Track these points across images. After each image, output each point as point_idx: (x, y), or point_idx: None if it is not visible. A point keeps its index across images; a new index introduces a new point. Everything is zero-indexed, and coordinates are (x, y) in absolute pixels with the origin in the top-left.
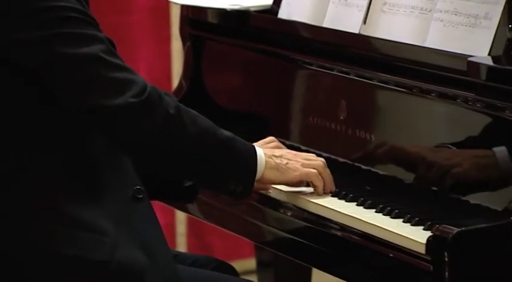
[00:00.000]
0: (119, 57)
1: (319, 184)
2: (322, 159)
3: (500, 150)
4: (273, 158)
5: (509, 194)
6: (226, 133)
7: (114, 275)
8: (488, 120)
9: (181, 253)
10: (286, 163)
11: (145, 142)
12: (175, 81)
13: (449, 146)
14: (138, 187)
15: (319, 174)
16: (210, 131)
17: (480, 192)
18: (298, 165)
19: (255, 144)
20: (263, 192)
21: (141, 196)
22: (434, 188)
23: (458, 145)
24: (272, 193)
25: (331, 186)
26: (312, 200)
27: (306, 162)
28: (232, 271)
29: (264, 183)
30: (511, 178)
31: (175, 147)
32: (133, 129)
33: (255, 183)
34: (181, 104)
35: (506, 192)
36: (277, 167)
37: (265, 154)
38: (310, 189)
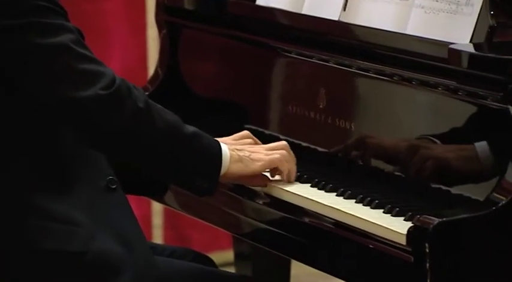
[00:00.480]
0: (88, 48)
1: (285, 169)
2: (285, 142)
3: (481, 145)
4: (236, 151)
5: (491, 184)
6: (192, 128)
7: (91, 266)
8: (470, 108)
9: (158, 245)
10: (249, 155)
11: (113, 135)
12: (151, 70)
13: (430, 135)
14: (111, 177)
15: (284, 159)
16: (177, 126)
17: (462, 182)
18: (261, 156)
19: (229, 137)
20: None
21: (114, 186)
22: (415, 178)
23: (439, 134)
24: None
25: (291, 174)
26: (291, 191)
27: (269, 153)
28: (210, 263)
29: (229, 178)
30: (492, 170)
31: (142, 141)
32: (102, 121)
33: (222, 179)
34: (149, 99)
35: (488, 182)
36: (241, 160)
37: (228, 148)
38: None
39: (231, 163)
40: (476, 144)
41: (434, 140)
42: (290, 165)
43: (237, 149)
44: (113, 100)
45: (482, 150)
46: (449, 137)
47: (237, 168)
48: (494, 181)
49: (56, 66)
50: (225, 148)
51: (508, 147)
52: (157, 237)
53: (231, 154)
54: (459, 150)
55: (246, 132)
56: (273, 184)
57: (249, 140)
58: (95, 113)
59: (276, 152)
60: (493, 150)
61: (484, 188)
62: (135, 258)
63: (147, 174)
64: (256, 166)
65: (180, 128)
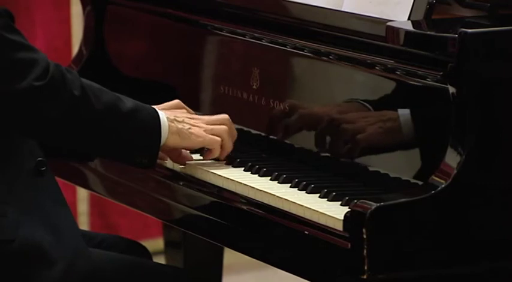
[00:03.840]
0: (19, 32)
1: (217, 153)
2: (226, 116)
3: (420, 127)
4: (175, 122)
5: (431, 167)
6: (129, 104)
7: (19, 254)
8: (408, 88)
9: (87, 232)
10: (189, 128)
11: (50, 125)
12: (75, 48)
13: (368, 116)
14: (40, 159)
15: (222, 141)
16: (114, 105)
17: (400, 165)
18: (201, 131)
19: (160, 106)
20: (163, 163)
21: (43, 168)
22: (353, 161)
23: (377, 115)
24: (177, 167)
25: (226, 152)
26: (224, 175)
27: (209, 128)
28: (144, 251)
29: (164, 150)
30: (431, 152)
31: (80, 127)
32: (37, 113)
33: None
34: (84, 80)
35: (427, 165)
36: (178, 132)
37: (167, 118)
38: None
39: (168, 134)
40: (415, 125)
41: (372, 121)
42: (230, 143)
43: (177, 120)
44: (48, 91)
45: (421, 132)
46: (387, 118)
47: (174, 141)
48: (433, 164)
49: None
50: (163, 119)
51: (448, 128)
52: (83, 224)
53: (169, 125)
54: (397, 131)
55: (177, 101)
56: (205, 168)
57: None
58: (30, 105)
59: (217, 130)
60: (432, 131)
61: (423, 171)
62: (65, 246)
63: (87, 153)
64: (194, 142)
65: (118, 107)
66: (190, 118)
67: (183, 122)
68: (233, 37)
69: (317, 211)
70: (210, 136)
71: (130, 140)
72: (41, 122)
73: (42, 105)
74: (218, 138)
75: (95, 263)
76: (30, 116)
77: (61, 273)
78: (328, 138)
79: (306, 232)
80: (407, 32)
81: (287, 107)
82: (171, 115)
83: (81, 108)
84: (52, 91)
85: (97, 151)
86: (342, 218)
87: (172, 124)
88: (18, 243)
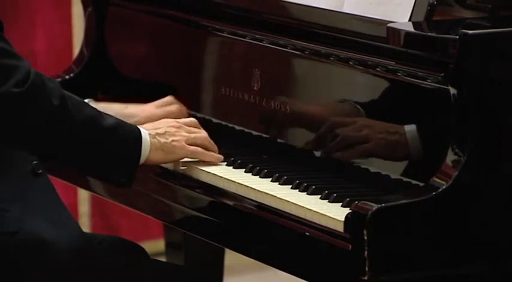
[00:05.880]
0: (5, 40)
1: (209, 159)
2: (204, 132)
3: (421, 128)
4: (157, 137)
5: (432, 168)
6: (110, 121)
7: (24, 245)
8: (409, 89)
9: (87, 233)
10: (172, 141)
11: (26, 133)
12: (76, 49)
13: (369, 118)
14: (35, 162)
15: (205, 148)
16: (94, 119)
17: (401, 167)
18: (183, 143)
19: (153, 103)
20: (169, 168)
21: (40, 171)
22: (354, 163)
23: (378, 117)
24: (178, 169)
25: (213, 157)
26: (225, 176)
27: (191, 137)
28: (142, 252)
29: (150, 164)
30: (431, 153)
31: (57, 137)
32: (15, 120)
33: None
34: (66, 92)
35: (428, 166)
36: (162, 148)
37: (149, 134)
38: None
39: (151, 151)
40: (416, 126)
41: (373, 123)
42: (213, 148)
43: (159, 134)
44: (26, 98)
45: (422, 133)
46: (387, 120)
47: (158, 157)
48: (434, 165)
49: None
50: (145, 136)
51: (449, 129)
52: (85, 225)
53: (151, 142)
54: (397, 133)
55: (170, 97)
56: (206, 169)
57: (174, 107)
58: (8, 111)
59: (198, 140)
60: (432, 133)
61: (424, 172)
62: (66, 237)
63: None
64: (178, 155)
65: (98, 121)
66: (171, 126)
67: (164, 134)
68: (234, 38)
69: (318, 212)
70: (192, 148)
71: (109, 155)
72: (18, 128)
73: (19, 112)
74: (199, 149)
75: (95, 263)
76: (8, 122)
77: (64, 262)
78: (329, 140)
79: (306, 233)
80: (408, 33)
81: (288, 108)
82: (153, 130)
83: (59, 118)
84: (30, 98)
85: (73, 163)
86: (343, 219)
87: (155, 140)
88: (22, 235)
